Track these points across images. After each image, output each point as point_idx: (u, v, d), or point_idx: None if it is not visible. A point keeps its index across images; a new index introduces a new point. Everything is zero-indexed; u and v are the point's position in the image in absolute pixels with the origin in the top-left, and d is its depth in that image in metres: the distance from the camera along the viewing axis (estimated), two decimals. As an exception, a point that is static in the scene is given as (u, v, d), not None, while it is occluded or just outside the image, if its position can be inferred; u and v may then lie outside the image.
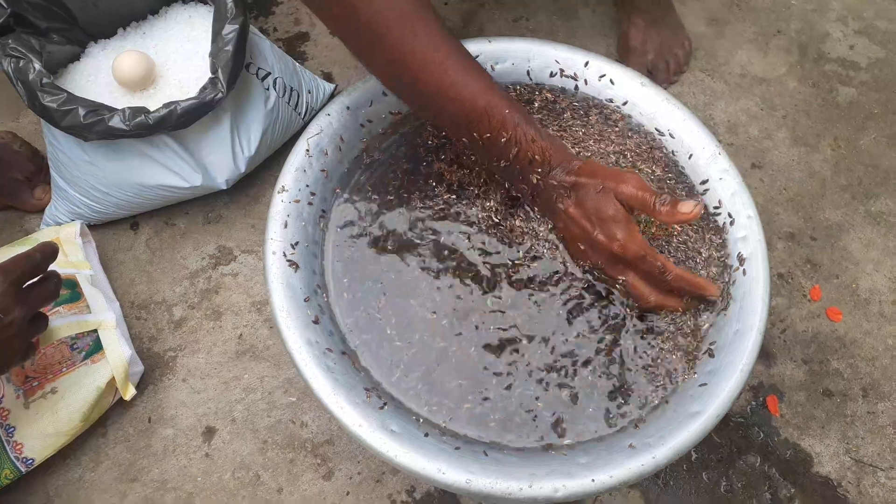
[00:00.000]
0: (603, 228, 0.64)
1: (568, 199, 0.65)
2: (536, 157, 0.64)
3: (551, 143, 0.65)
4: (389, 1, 0.62)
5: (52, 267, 0.72)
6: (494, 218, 0.73)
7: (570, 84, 0.81)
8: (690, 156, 0.77)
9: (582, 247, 0.68)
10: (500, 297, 0.71)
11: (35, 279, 0.69)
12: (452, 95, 0.63)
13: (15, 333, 0.65)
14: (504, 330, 0.69)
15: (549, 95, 0.80)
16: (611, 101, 0.81)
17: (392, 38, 0.63)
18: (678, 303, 0.68)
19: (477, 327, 0.69)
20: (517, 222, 0.73)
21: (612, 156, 0.77)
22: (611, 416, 0.66)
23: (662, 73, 1.15)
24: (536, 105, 0.80)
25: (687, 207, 0.62)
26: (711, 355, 0.68)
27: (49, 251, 0.70)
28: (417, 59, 0.63)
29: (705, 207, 0.68)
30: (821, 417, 0.93)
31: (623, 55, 1.16)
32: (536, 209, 0.71)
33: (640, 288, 0.67)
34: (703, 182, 0.76)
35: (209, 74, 0.89)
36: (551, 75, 0.81)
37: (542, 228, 0.72)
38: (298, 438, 0.89)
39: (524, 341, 0.69)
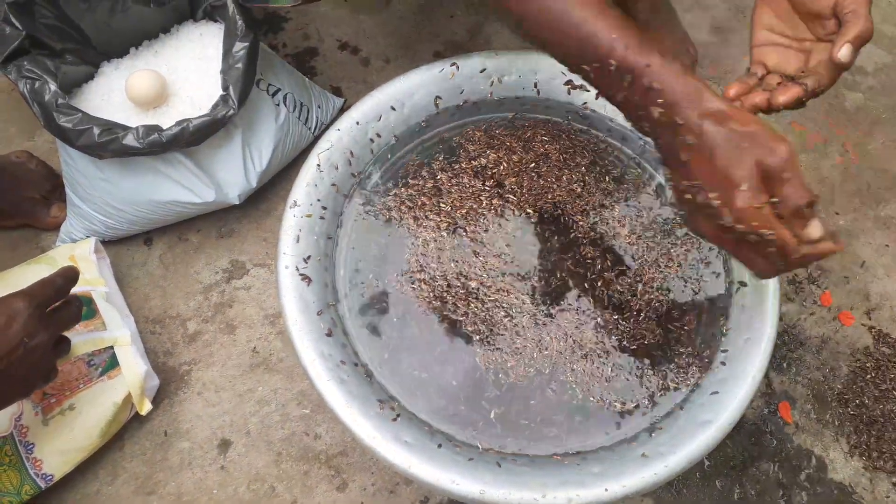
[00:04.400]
0: (722, 191, 0.54)
1: (692, 149, 0.55)
2: (655, 84, 0.55)
3: (673, 69, 0.55)
4: None
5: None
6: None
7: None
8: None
9: (687, 210, 0.59)
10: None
11: (58, 303, 0.70)
12: (555, 26, 0.60)
13: (40, 357, 0.66)
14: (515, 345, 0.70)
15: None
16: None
17: None
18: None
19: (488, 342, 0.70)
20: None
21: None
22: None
23: (669, 82, 1.16)
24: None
25: (815, 231, 0.53)
26: (723, 363, 0.68)
27: (71, 275, 0.71)
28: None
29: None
30: (834, 423, 0.93)
31: (628, 66, 1.16)
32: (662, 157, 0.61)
33: (756, 263, 0.57)
34: None
35: (220, 91, 0.90)
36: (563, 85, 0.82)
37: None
38: (312, 450, 0.89)
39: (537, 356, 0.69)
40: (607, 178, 0.79)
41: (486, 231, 0.75)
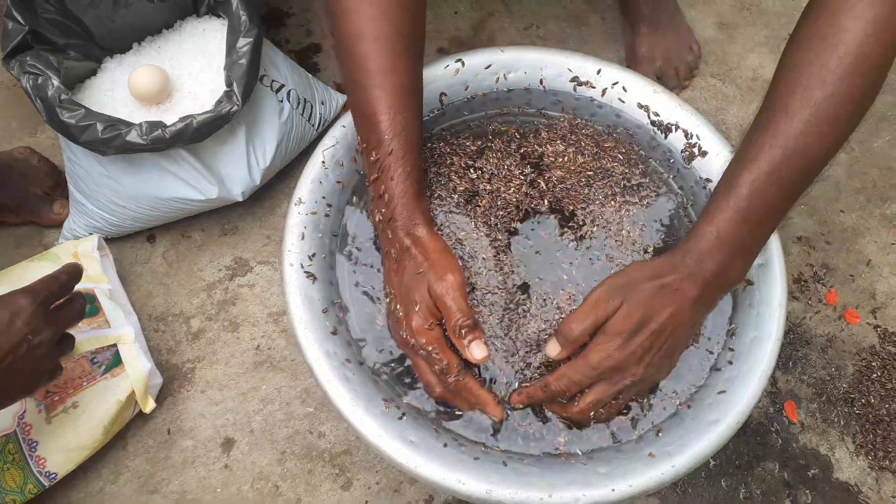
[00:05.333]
0: (404, 306, 0.63)
1: (394, 260, 0.64)
2: (386, 195, 0.64)
3: (406, 195, 0.64)
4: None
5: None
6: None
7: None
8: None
9: (387, 311, 0.68)
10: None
11: (61, 300, 0.70)
12: (356, 86, 0.65)
13: (44, 354, 0.66)
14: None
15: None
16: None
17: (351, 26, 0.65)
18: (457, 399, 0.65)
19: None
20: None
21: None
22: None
23: (672, 79, 1.15)
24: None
25: (478, 353, 0.60)
26: (730, 362, 0.68)
27: (74, 272, 0.71)
28: (353, 49, 0.65)
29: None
30: (839, 423, 0.92)
31: (631, 64, 1.16)
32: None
33: (425, 376, 0.65)
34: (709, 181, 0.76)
35: (224, 87, 0.90)
36: (568, 82, 0.81)
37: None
38: (316, 449, 0.89)
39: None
40: (652, 246, 0.74)
41: (496, 217, 0.73)
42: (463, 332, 0.60)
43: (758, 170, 0.60)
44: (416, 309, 0.62)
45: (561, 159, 0.77)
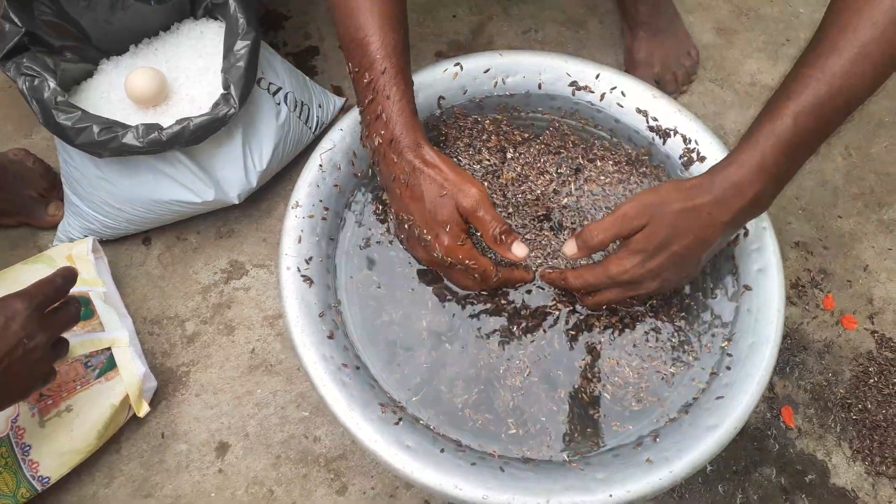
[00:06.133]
0: (431, 229, 0.65)
1: (405, 185, 0.65)
2: (384, 115, 0.64)
3: (405, 114, 0.65)
4: None
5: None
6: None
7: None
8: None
9: (404, 235, 0.70)
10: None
11: (56, 304, 0.69)
12: (345, 13, 0.66)
13: (39, 358, 0.65)
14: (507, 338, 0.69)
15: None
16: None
17: None
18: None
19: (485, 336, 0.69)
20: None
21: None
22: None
23: (670, 84, 1.15)
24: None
25: (520, 251, 0.65)
26: (728, 367, 0.67)
27: (70, 276, 0.71)
28: None
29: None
30: (836, 428, 0.92)
31: (630, 68, 1.16)
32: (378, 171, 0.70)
33: (465, 282, 0.69)
34: None
35: (221, 90, 0.89)
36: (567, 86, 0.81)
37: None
38: (312, 453, 0.88)
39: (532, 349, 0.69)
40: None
41: (513, 193, 0.73)
42: (503, 237, 0.64)
43: (803, 102, 0.60)
44: (447, 229, 0.64)
45: (603, 178, 0.76)
